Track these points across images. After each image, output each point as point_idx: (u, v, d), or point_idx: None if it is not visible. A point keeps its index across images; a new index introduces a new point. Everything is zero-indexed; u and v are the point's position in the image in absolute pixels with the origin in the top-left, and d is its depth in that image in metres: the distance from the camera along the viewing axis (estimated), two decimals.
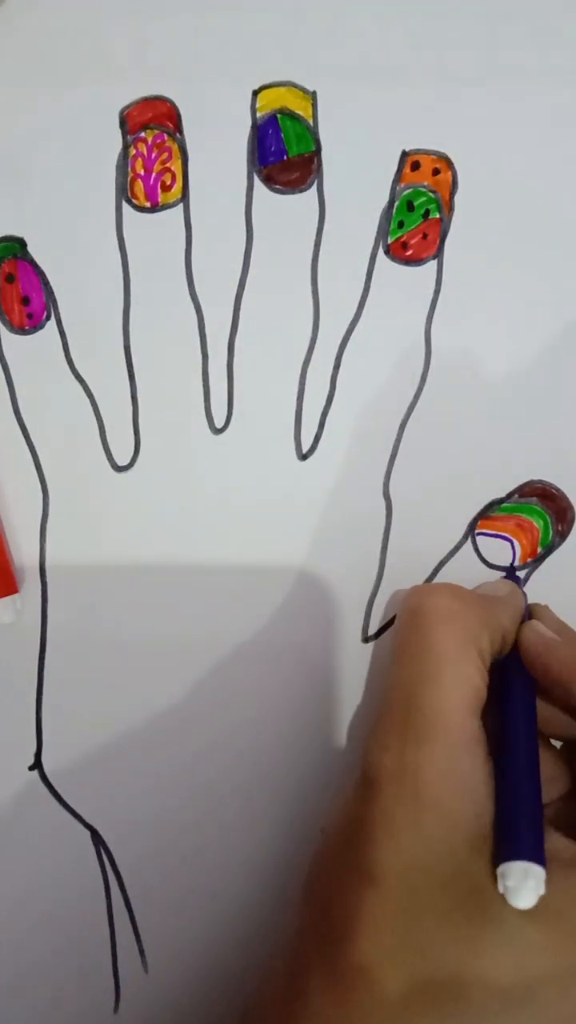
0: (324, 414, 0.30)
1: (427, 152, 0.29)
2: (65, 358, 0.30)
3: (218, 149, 0.30)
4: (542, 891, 0.22)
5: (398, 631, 0.26)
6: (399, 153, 0.30)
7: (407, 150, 0.30)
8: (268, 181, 0.30)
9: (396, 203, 0.30)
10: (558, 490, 0.30)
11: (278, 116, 0.29)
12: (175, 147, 0.30)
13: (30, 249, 0.30)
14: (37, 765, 0.31)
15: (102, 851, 0.31)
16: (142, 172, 0.30)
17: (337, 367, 0.30)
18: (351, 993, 0.23)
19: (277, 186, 0.30)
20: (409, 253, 0.30)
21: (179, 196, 0.30)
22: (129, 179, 0.30)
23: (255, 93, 0.29)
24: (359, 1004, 0.22)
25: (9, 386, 0.30)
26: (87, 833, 0.31)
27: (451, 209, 0.30)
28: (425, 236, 0.30)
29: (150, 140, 0.30)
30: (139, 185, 0.30)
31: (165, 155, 0.30)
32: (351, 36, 0.29)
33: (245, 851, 0.31)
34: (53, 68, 0.30)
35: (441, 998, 0.22)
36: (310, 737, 0.31)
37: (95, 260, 0.30)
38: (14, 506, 0.30)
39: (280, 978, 0.25)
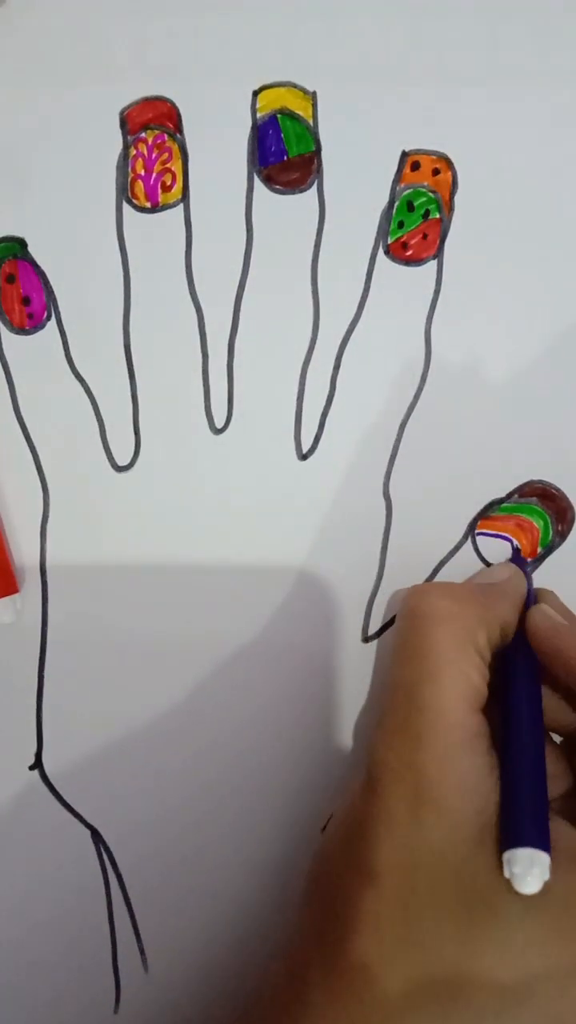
0: (324, 414, 0.30)
1: (427, 152, 0.30)
2: (65, 358, 0.30)
3: (218, 149, 0.30)
4: (547, 877, 0.22)
5: (397, 633, 0.27)
6: (399, 153, 0.30)
7: (407, 150, 0.30)
8: (268, 181, 0.30)
9: (396, 203, 0.30)
10: (558, 490, 0.30)
11: (278, 116, 0.29)
12: (175, 147, 0.30)
13: (30, 249, 0.30)
14: (37, 765, 0.31)
15: (102, 851, 0.31)
16: (142, 172, 0.30)
17: (337, 367, 0.30)
18: (351, 991, 0.23)
19: (277, 186, 0.30)
20: (409, 253, 0.30)
21: (179, 196, 0.30)
22: (129, 179, 0.30)
23: (255, 93, 0.29)
24: (359, 1002, 0.23)
25: (9, 386, 0.30)
26: (87, 833, 0.31)
27: (451, 209, 0.30)
28: (425, 236, 0.30)
29: (150, 140, 0.30)
30: (139, 185, 0.30)
31: (165, 155, 0.30)
32: (351, 36, 0.29)
33: (245, 850, 0.31)
34: (53, 68, 0.30)
35: (441, 996, 0.22)
36: (310, 736, 0.31)
37: (95, 260, 0.30)
38: (14, 506, 0.30)
39: (281, 977, 0.25)
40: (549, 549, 0.30)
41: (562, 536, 0.30)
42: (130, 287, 0.30)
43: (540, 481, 0.30)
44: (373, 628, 0.30)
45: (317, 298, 0.30)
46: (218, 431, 0.30)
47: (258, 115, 0.29)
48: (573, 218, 0.30)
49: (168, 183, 0.30)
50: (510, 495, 0.30)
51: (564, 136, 0.30)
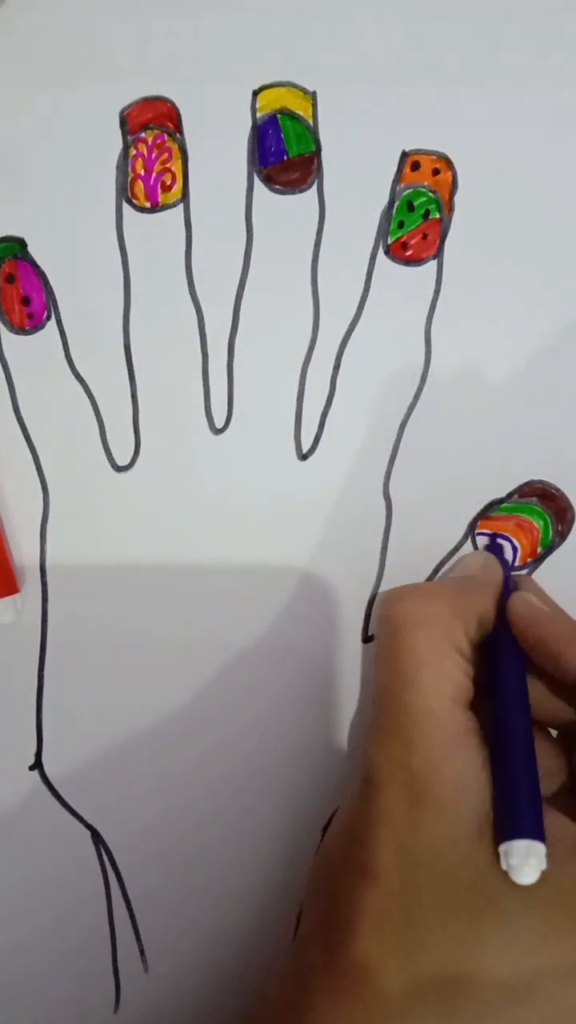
0: (324, 414, 0.30)
1: (427, 152, 0.30)
2: (65, 358, 0.30)
3: (218, 149, 0.30)
4: (544, 866, 0.22)
5: (377, 639, 0.27)
6: (399, 153, 0.30)
7: (407, 150, 0.30)
8: (268, 181, 0.30)
9: (396, 203, 0.30)
10: (558, 490, 0.30)
11: (278, 116, 0.29)
12: (175, 147, 0.30)
13: (30, 249, 0.30)
14: (37, 765, 0.31)
15: (102, 851, 0.31)
16: (142, 172, 0.30)
17: (337, 367, 0.30)
18: (353, 991, 0.23)
19: (277, 186, 0.30)
20: (409, 253, 0.30)
21: (179, 196, 0.30)
22: (129, 179, 0.30)
23: (255, 93, 0.29)
24: (361, 1002, 0.23)
25: (9, 386, 0.30)
26: (87, 833, 0.31)
27: (451, 209, 0.30)
28: (425, 236, 0.30)
29: (150, 140, 0.30)
30: (139, 185, 0.30)
31: (165, 155, 0.30)
32: (351, 36, 0.29)
33: (245, 850, 0.31)
34: (53, 68, 0.30)
35: (442, 994, 0.22)
36: (310, 736, 0.31)
37: (95, 260, 0.30)
38: (14, 506, 0.30)
39: (284, 978, 0.25)
40: (549, 549, 0.30)
41: (562, 536, 0.30)
42: (130, 287, 0.30)
43: (540, 481, 0.30)
44: (373, 628, 0.30)
45: (317, 298, 0.30)
46: (218, 431, 0.30)
47: (258, 115, 0.29)
48: (573, 218, 0.30)
49: (168, 183, 0.30)
50: (510, 495, 0.30)
51: (564, 136, 0.30)
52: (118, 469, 0.30)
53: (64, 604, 0.30)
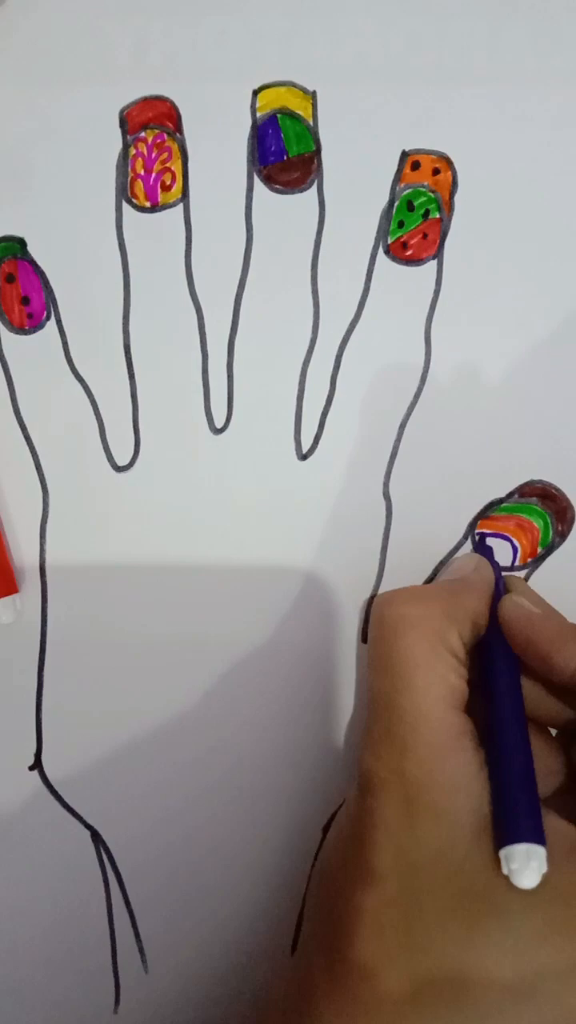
0: (324, 414, 0.30)
1: (427, 152, 0.30)
2: (65, 358, 0.30)
3: (218, 149, 0.30)
4: (545, 870, 0.22)
5: (370, 643, 0.27)
6: (399, 153, 0.30)
7: (407, 150, 0.30)
8: (268, 181, 0.30)
9: (396, 203, 0.30)
10: (558, 490, 0.30)
11: (278, 116, 0.29)
12: (175, 147, 0.30)
13: (30, 249, 0.30)
14: (37, 765, 0.31)
15: (102, 851, 0.31)
16: (142, 172, 0.30)
17: (337, 367, 0.30)
18: (354, 993, 0.23)
19: (277, 186, 0.30)
20: (409, 253, 0.30)
21: (179, 196, 0.30)
22: (129, 179, 0.30)
23: (255, 93, 0.29)
24: (362, 1004, 0.23)
25: (9, 386, 0.30)
26: (87, 833, 0.31)
27: (451, 209, 0.30)
28: (425, 236, 0.30)
29: (150, 140, 0.30)
30: (139, 185, 0.30)
31: (165, 155, 0.30)
32: (351, 36, 0.29)
33: (245, 850, 0.31)
34: (53, 68, 0.30)
35: (444, 995, 0.22)
36: (309, 736, 0.31)
37: (95, 260, 0.30)
38: (14, 506, 0.30)
39: (289, 984, 0.25)
40: (549, 549, 0.30)
41: (562, 536, 0.30)
42: (130, 287, 0.30)
43: (540, 481, 0.30)
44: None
45: (317, 298, 0.30)
46: (218, 431, 0.30)
47: (258, 115, 0.29)
48: (573, 218, 0.30)
49: (168, 183, 0.30)
50: (510, 495, 0.30)
51: (564, 136, 0.30)
52: (118, 469, 0.30)
53: (64, 604, 0.30)
